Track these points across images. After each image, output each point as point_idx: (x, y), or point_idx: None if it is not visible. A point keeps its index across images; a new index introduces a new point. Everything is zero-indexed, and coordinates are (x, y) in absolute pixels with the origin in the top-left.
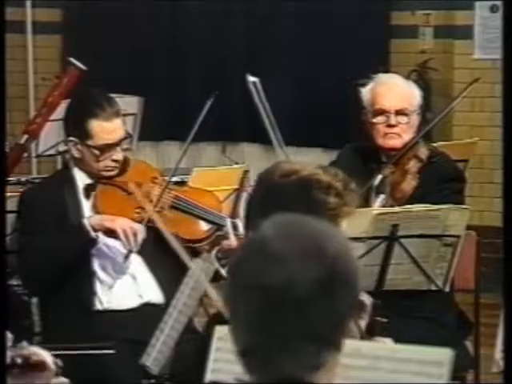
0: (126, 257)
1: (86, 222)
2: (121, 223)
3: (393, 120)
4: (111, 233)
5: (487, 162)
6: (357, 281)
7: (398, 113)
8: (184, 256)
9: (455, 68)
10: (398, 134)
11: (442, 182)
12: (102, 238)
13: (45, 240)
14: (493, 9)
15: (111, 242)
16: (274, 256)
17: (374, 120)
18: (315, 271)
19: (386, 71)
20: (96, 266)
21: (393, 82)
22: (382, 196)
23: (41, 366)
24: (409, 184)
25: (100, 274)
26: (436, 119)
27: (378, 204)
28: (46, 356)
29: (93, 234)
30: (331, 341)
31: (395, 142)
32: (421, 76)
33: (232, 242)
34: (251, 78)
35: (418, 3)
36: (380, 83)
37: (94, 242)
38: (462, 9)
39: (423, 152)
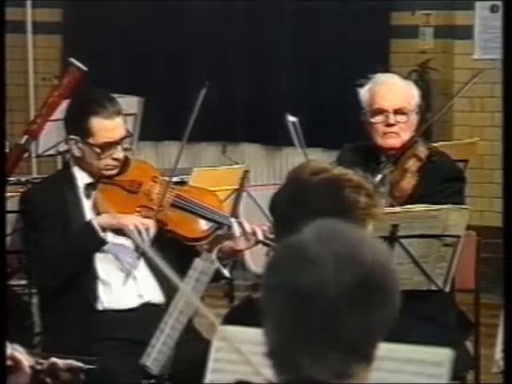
0: (139, 252)
1: (94, 222)
2: (131, 219)
3: (391, 119)
4: (122, 230)
5: (487, 162)
6: (394, 293)
7: (397, 112)
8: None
9: (455, 68)
10: (396, 134)
11: (442, 181)
12: (111, 239)
13: (54, 239)
14: (493, 9)
15: (119, 241)
16: (310, 258)
17: (373, 120)
18: (350, 278)
19: (386, 71)
20: (98, 265)
21: (391, 82)
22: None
23: (15, 368)
24: (408, 183)
25: (102, 273)
26: (437, 115)
27: None
28: (23, 358)
29: (101, 234)
30: (361, 351)
31: (394, 142)
32: (421, 76)
33: (237, 241)
34: (291, 118)
35: (418, 3)
36: (378, 83)
37: (103, 242)
38: (462, 9)
39: (422, 151)
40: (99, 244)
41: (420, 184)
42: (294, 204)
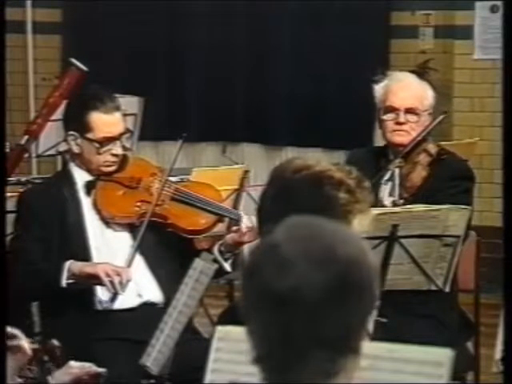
0: (113, 300)
1: (65, 266)
2: (103, 267)
3: (402, 118)
4: (94, 278)
5: (487, 162)
6: (372, 286)
7: (408, 111)
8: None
9: (455, 68)
10: (406, 132)
11: (452, 179)
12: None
13: (35, 249)
14: (493, 9)
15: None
16: (285, 260)
17: (384, 117)
18: (327, 276)
19: (386, 72)
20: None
21: (406, 81)
22: (390, 183)
23: (15, 348)
24: (419, 174)
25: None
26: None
27: (386, 192)
28: (24, 341)
29: (63, 282)
30: (346, 346)
31: (403, 139)
32: (421, 76)
33: (243, 234)
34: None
35: (418, 3)
36: (393, 81)
37: (60, 288)
38: (462, 9)
39: (432, 148)
40: (57, 288)
41: (431, 178)
42: (278, 202)
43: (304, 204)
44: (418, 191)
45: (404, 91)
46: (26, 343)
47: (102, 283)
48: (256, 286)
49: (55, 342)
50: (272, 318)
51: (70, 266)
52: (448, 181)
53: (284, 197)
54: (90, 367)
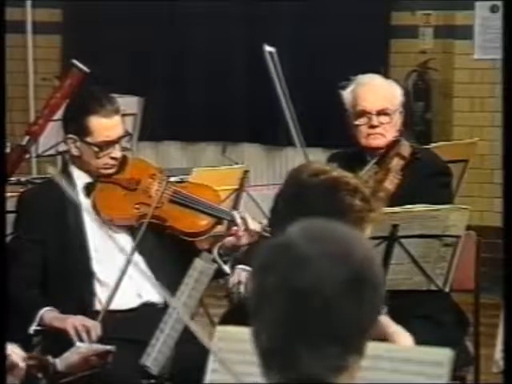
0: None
1: (39, 314)
2: (72, 322)
3: (375, 121)
4: (62, 332)
5: (487, 162)
6: (382, 285)
7: (380, 113)
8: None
9: (455, 68)
10: (381, 134)
11: (428, 177)
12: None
13: (32, 258)
14: (493, 9)
15: None
16: (301, 258)
17: (357, 122)
18: (342, 273)
19: (386, 71)
20: (95, 266)
21: (373, 83)
22: None
23: (11, 367)
24: (391, 182)
25: (99, 274)
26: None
27: None
28: (17, 357)
29: (31, 329)
30: (355, 344)
31: (378, 142)
32: (421, 76)
33: (240, 236)
34: (268, 48)
35: (418, 3)
36: (360, 84)
37: (27, 333)
38: (462, 9)
39: (405, 149)
40: (23, 331)
41: (406, 182)
42: (293, 204)
43: (319, 207)
44: (393, 199)
45: (373, 94)
46: (17, 358)
47: (70, 337)
48: (271, 282)
49: (50, 359)
50: (288, 314)
51: (44, 314)
52: (424, 180)
53: (299, 199)
54: (97, 347)
